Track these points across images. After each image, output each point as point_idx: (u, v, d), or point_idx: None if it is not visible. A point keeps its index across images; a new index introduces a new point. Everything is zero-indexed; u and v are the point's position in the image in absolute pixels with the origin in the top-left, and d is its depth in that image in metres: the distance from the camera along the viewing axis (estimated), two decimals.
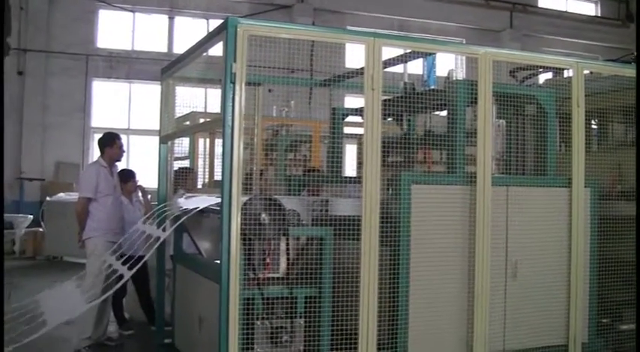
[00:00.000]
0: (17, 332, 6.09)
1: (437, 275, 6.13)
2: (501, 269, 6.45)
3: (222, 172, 5.36)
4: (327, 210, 5.97)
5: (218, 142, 10.19)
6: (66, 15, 21.12)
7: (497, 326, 6.41)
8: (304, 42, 6.10)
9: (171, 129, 7.99)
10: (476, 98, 6.34)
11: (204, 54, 6.70)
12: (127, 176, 9.50)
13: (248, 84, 5.58)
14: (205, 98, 17.81)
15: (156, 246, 6.54)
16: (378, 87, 5.88)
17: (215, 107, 11.89)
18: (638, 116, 6.34)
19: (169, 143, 8.25)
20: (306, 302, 5.68)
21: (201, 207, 6.25)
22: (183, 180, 8.70)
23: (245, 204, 5.44)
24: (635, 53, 6.50)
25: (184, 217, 6.35)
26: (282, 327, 5.61)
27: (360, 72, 6.44)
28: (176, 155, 9.18)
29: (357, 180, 6.26)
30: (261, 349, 5.55)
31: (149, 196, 9.79)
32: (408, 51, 6.84)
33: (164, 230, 6.70)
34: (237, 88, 5.39)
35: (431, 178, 6.31)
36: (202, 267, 6.48)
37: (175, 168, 8.93)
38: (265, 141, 9.16)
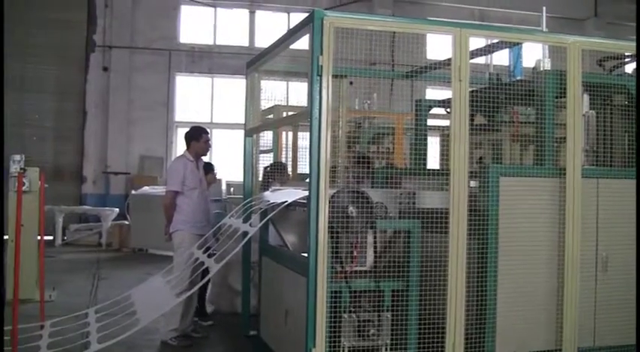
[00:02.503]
0: (112, 327, 6.20)
1: (525, 269, 6.03)
2: (591, 263, 6.30)
3: (310, 165, 5.35)
4: (413, 203, 5.93)
5: (301, 135, 10.22)
6: (149, 11, 21.51)
7: (588, 321, 6.27)
8: (385, 34, 6.06)
9: (256, 123, 8.03)
10: (564, 89, 6.21)
11: (289, 47, 6.72)
12: (207, 169, 9.59)
13: (334, 76, 5.57)
14: (287, 91, 17.94)
15: (244, 240, 6.57)
16: (465, 78, 5.80)
17: (297, 100, 11.95)
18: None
19: (255, 136, 8.29)
20: (393, 296, 5.65)
21: (289, 201, 6.26)
22: (278, 174, 8.72)
23: (332, 196, 5.44)
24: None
25: (272, 213, 6.37)
26: (369, 320, 5.59)
27: (445, 63, 6.38)
28: (261, 148, 9.25)
29: (441, 173, 6.21)
30: (347, 342, 5.54)
31: None
32: (495, 41, 6.74)
33: (251, 224, 6.74)
34: (324, 80, 5.39)
35: (519, 170, 6.21)
36: (289, 260, 6.49)
37: (268, 163, 8.95)
38: (348, 134, 9.16)
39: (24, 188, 10.51)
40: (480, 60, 7.00)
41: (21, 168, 10.48)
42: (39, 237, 10.51)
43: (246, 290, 8.19)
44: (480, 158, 7.27)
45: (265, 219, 6.54)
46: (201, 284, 7.06)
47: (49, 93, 21.38)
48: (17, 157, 10.77)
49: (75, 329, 6.71)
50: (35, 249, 11.01)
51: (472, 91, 6.10)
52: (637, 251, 5.79)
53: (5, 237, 10.95)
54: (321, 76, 5.39)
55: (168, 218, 8.70)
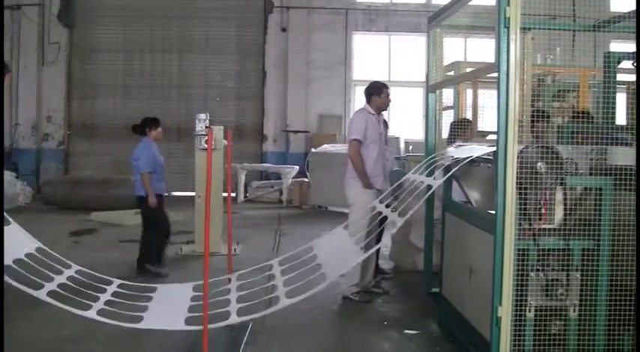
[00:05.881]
0: (297, 282, 6.30)
1: None
2: None
3: (498, 120, 5.21)
4: (605, 159, 5.68)
5: (481, 93, 10.03)
6: None
7: None
8: None
9: (439, 78, 7.91)
10: None
11: (472, 2, 6.56)
12: None
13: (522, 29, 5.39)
14: (465, 48, 17.68)
15: (429, 193, 6.49)
16: None
17: (477, 57, 11.69)
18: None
19: (437, 92, 8.18)
20: (582, 255, 5.46)
21: (474, 156, 6.13)
22: (462, 131, 8.58)
23: (521, 152, 5.30)
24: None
25: (457, 166, 6.26)
26: (557, 280, 5.44)
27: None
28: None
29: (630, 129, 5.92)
30: (534, 301, 5.42)
31: None
32: None
33: (435, 178, 6.64)
34: (512, 32, 5.23)
35: None
36: (474, 217, 6.39)
37: (454, 119, 8.81)
38: (532, 90, 8.89)
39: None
40: None
41: (206, 127, 10.85)
42: (224, 194, 10.92)
43: (429, 248, 8.15)
44: None
45: (450, 173, 6.43)
46: (388, 239, 7.05)
47: (231, 54, 22.06)
48: (202, 116, 11.14)
49: (260, 283, 6.89)
50: (220, 205, 11.44)
51: None
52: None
53: (192, 194, 11.44)
54: (508, 28, 5.23)
55: (358, 166, 8.66)
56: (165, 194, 10.50)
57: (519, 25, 5.27)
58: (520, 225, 5.35)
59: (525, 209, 5.40)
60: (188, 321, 5.93)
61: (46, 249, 6.38)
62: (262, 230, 14.37)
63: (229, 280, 7.17)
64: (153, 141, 10.27)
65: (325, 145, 18.93)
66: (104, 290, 6.33)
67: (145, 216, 10.26)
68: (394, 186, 7.86)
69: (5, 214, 6.31)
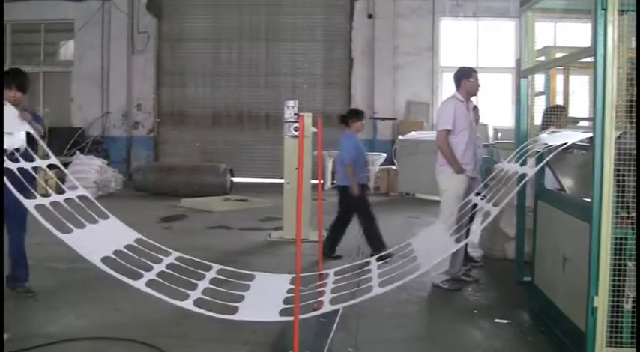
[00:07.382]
0: (392, 273, 6.23)
1: None
2: None
3: (594, 106, 5.07)
4: None
5: (573, 79, 9.81)
6: None
7: None
8: None
9: (531, 64, 7.75)
10: None
11: None
12: None
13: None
14: (555, 33, 17.32)
15: (523, 182, 6.38)
16: None
17: (567, 42, 11.42)
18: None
19: (529, 77, 8.01)
20: None
21: (569, 143, 5.98)
22: (556, 117, 8.39)
23: (618, 138, 5.14)
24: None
25: (551, 154, 6.11)
26: None
27: None
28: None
29: None
30: (631, 292, 5.26)
31: None
32: None
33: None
34: (609, 14, 5.08)
35: None
36: (568, 205, 6.25)
37: (548, 106, 8.64)
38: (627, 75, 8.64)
39: (297, 132, 10.96)
40: None
41: (295, 114, 10.95)
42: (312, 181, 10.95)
43: (521, 236, 8.02)
44: None
45: (545, 160, 6.28)
46: (481, 228, 6.96)
47: (317, 41, 22.13)
48: (291, 103, 11.26)
49: (355, 274, 6.84)
50: (309, 191, 11.48)
51: None
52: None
53: (280, 181, 11.52)
54: (605, 9, 5.09)
55: (448, 155, 8.55)
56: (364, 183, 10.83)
57: (617, 7, 5.12)
58: (617, 213, 5.20)
59: (623, 197, 5.24)
60: (282, 313, 5.90)
61: (145, 239, 6.46)
62: None
63: (321, 276, 7.11)
64: (355, 132, 10.50)
65: (412, 132, 18.82)
66: (203, 277, 6.36)
67: (343, 206, 10.57)
68: (489, 177, 7.72)
69: (104, 209, 6.46)
